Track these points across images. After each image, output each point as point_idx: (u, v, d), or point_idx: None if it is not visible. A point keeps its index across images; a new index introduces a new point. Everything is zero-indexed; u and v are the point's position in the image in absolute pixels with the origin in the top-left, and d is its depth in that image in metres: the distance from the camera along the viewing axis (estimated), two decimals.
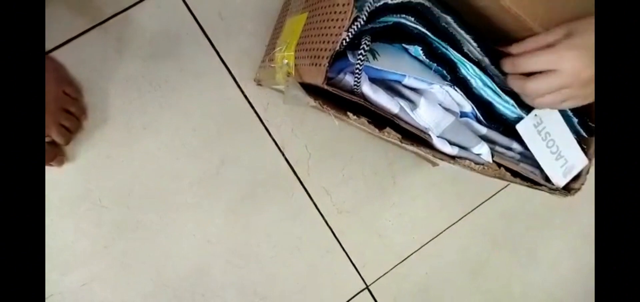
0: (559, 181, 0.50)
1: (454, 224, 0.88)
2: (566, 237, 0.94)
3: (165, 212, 0.74)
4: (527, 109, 0.48)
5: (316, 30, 0.43)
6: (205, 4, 0.73)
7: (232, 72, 0.74)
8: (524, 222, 0.91)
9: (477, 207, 0.89)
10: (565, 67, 0.41)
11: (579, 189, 0.50)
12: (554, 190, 0.50)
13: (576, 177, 0.51)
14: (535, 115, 0.48)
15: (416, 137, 0.44)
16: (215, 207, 0.76)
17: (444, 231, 0.88)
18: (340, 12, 0.38)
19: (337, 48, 0.37)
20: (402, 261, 0.86)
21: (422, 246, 0.87)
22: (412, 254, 0.86)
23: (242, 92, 0.75)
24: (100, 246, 0.72)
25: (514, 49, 0.45)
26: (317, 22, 0.44)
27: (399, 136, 0.42)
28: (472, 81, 0.47)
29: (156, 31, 0.72)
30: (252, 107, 0.76)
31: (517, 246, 0.92)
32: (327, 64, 0.37)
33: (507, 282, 0.91)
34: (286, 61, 0.50)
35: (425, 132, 0.44)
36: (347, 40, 0.38)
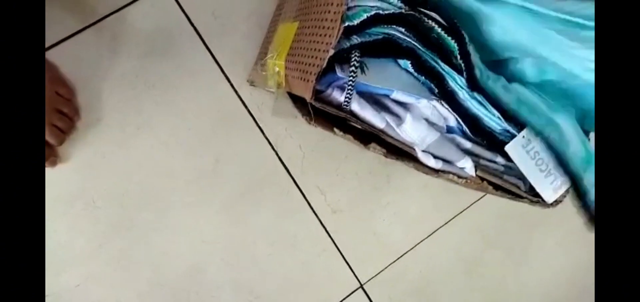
0: (549, 197, 0.50)
1: (447, 222, 0.89)
2: (559, 235, 0.95)
3: (160, 212, 0.74)
4: (513, 123, 0.48)
5: (306, 43, 0.43)
6: (198, 4, 0.72)
7: (226, 71, 0.74)
8: (517, 220, 0.91)
9: (470, 205, 0.90)
10: None
11: (561, 200, 0.50)
12: (534, 202, 0.50)
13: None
14: (523, 136, 0.48)
15: (401, 151, 0.44)
16: (210, 206, 0.76)
17: (438, 229, 0.88)
18: (328, 28, 0.38)
19: (324, 65, 0.37)
20: (397, 259, 0.87)
21: (416, 245, 0.87)
22: (406, 252, 0.87)
23: (236, 92, 0.75)
24: (95, 246, 0.72)
25: None
26: (307, 34, 0.43)
27: (384, 151, 0.42)
28: (460, 94, 0.47)
29: (150, 31, 0.71)
30: (246, 107, 0.76)
31: (510, 245, 0.92)
32: (314, 81, 0.37)
33: (501, 280, 0.92)
34: (277, 69, 0.50)
35: (410, 146, 0.44)
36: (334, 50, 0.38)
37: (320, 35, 0.39)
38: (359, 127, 0.42)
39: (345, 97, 0.39)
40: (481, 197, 0.89)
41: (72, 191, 0.71)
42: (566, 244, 0.95)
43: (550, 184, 0.49)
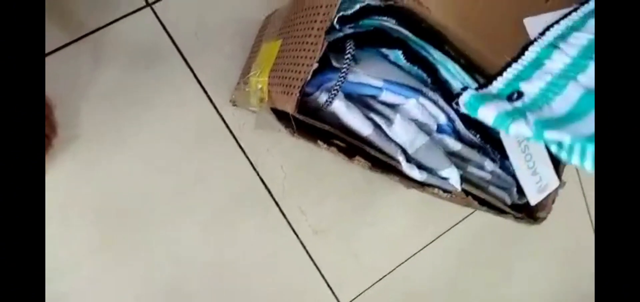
0: (533, 197, 0.51)
1: (430, 243, 0.89)
2: (542, 255, 0.96)
3: (137, 230, 0.73)
4: None
5: (289, 58, 0.43)
6: (181, 23, 0.72)
7: (208, 91, 0.74)
8: (500, 240, 0.93)
9: (453, 226, 0.90)
10: None
11: (544, 218, 0.51)
12: (520, 218, 0.51)
13: (543, 206, 0.52)
14: None
15: (385, 165, 0.45)
16: (189, 225, 0.75)
17: (421, 250, 0.89)
18: (311, 43, 0.39)
19: (308, 78, 0.37)
20: (378, 280, 0.86)
21: (398, 266, 0.87)
22: (388, 273, 0.87)
23: (218, 111, 0.75)
24: (71, 263, 0.70)
25: None
26: (291, 49, 0.44)
27: (369, 164, 0.43)
28: (453, 83, 0.47)
29: (132, 49, 0.71)
30: (228, 127, 0.76)
31: (493, 265, 0.93)
32: (298, 94, 0.38)
33: (484, 301, 0.92)
34: (260, 86, 0.50)
35: (394, 158, 0.44)
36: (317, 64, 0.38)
37: (304, 50, 0.40)
38: (342, 144, 0.42)
39: (331, 93, 0.39)
40: (464, 218, 0.90)
41: (48, 208, 0.69)
42: (548, 265, 0.96)
43: (536, 184, 0.50)
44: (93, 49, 0.69)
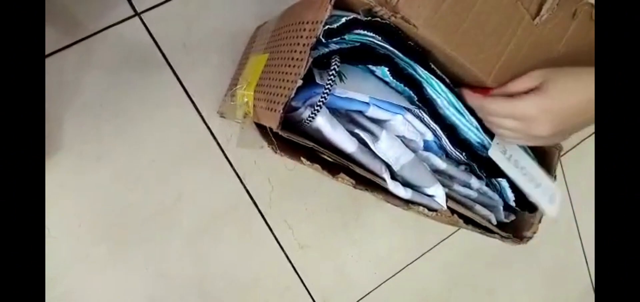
0: (549, 209, 0.49)
1: (415, 260, 0.89)
2: (526, 276, 0.96)
3: (120, 243, 0.71)
4: (490, 134, 0.49)
5: (275, 74, 0.43)
6: (169, 34, 0.72)
7: (195, 103, 0.74)
8: (484, 260, 0.93)
9: (438, 243, 0.90)
10: (527, 119, 0.42)
11: (531, 237, 0.51)
12: (505, 237, 0.50)
13: (529, 225, 0.52)
14: (497, 142, 0.48)
15: (369, 182, 0.44)
16: (170, 240, 0.74)
17: (406, 267, 0.88)
18: (297, 59, 0.39)
19: (292, 95, 0.37)
20: (364, 296, 0.86)
21: (383, 282, 0.87)
22: (373, 289, 0.86)
23: (205, 123, 0.74)
24: (47, 279, 0.68)
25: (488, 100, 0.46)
26: (276, 65, 0.44)
27: (353, 182, 0.42)
28: (438, 101, 0.47)
29: (118, 59, 0.70)
30: (215, 138, 0.75)
31: (477, 285, 0.93)
32: (281, 111, 0.37)
33: None
34: (246, 100, 0.50)
35: (379, 176, 0.44)
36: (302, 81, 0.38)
37: (289, 66, 0.39)
38: (327, 157, 0.42)
39: (314, 109, 0.39)
40: (448, 236, 0.90)
41: None
42: (531, 285, 0.96)
43: (544, 195, 0.49)
44: (78, 58, 0.68)
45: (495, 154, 0.49)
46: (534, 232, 0.52)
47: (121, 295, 0.72)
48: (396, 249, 0.87)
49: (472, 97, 0.46)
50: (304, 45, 0.38)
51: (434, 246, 0.89)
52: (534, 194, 0.49)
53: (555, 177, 0.53)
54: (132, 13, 0.70)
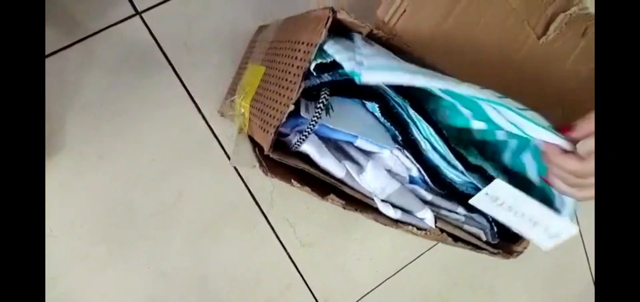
0: (545, 244, 0.48)
1: (416, 259, 0.89)
2: (525, 276, 0.96)
3: (117, 245, 0.72)
4: (479, 174, 0.48)
5: (269, 92, 0.42)
6: (171, 33, 0.71)
7: (196, 102, 0.73)
8: (484, 261, 0.92)
9: (438, 243, 0.90)
10: None
11: (521, 252, 0.50)
12: (495, 253, 0.50)
13: (520, 241, 0.51)
14: (487, 194, 0.45)
15: (360, 203, 0.44)
16: (172, 239, 0.74)
17: (407, 266, 0.88)
18: (290, 82, 0.38)
19: (283, 119, 0.36)
20: (365, 295, 0.86)
21: (384, 281, 0.87)
22: (374, 288, 0.86)
23: (206, 122, 0.74)
24: (48, 278, 0.70)
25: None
26: (271, 83, 0.43)
27: (342, 202, 0.42)
28: (422, 144, 0.47)
29: (119, 58, 0.70)
30: (216, 137, 0.75)
31: (476, 285, 0.93)
32: (273, 134, 0.37)
33: None
34: (243, 111, 0.49)
35: (369, 197, 0.44)
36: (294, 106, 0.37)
37: (283, 87, 0.39)
38: (318, 176, 0.41)
39: (301, 136, 0.38)
40: None
41: None
42: (530, 286, 0.96)
43: (543, 233, 0.47)
44: (79, 58, 0.68)
45: (480, 202, 0.46)
46: (525, 248, 0.51)
47: (122, 294, 0.73)
48: (397, 249, 0.87)
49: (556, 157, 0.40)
50: (297, 67, 0.37)
51: (435, 245, 0.89)
52: (529, 233, 0.47)
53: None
54: (133, 12, 0.69)
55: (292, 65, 0.38)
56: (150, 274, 0.74)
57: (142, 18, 0.70)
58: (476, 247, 0.50)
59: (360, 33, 0.39)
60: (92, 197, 0.70)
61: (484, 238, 0.51)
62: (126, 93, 0.70)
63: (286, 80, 0.39)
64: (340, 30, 0.40)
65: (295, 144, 0.39)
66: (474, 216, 0.50)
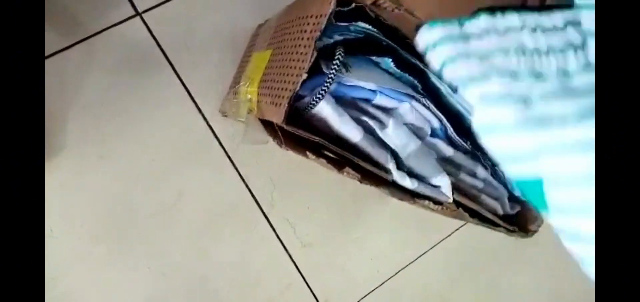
0: None
1: (417, 258, 0.89)
2: (530, 272, 0.96)
3: (117, 245, 0.71)
4: None
5: (279, 69, 0.43)
6: (171, 33, 0.72)
7: (197, 102, 0.74)
8: (487, 256, 0.92)
9: (440, 241, 0.90)
10: None
11: (536, 231, 0.51)
12: (511, 231, 0.50)
13: (534, 218, 0.52)
14: None
15: (375, 176, 0.44)
16: (172, 239, 0.73)
17: (408, 265, 0.88)
18: (301, 53, 0.39)
19: (297, 89, 0.37)
20: (366, 295, 0.86)
21: (386, 281, 0.87)
22: (376, 288, 0.86)
23: (207, 122, 0.74)
24: (48, 278, 0.68)
25: None
26: (280, 60, 0.44)
27: (359, 176, 0.42)
28: (442, 88, 0.47)
29: (120, 59, 0.70)
30: (217, 137, 0.75)
31: (480, 281, 0.93)
32: (286, 105, 0.37)
33: None
34: (249, 96, 0.50)
35: (384, 167, 0.44)
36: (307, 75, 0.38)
37: (294, 60, 0.39)
38: (331, 154, 0.42)
39: (318, 93, 0.39)
40: (451, 234, 0.90)
41: None
42: (536, 281, 0.96)
43: None
44: (79, 59, 0.68)
45: None
46: (539, 226, 0.52)
47: (122, 294, 0.71)
48: (398, 248, 0.87)
49: None
50: (308, 38, 0.38)
51: (436, 244, 0.89)
52: None
53: None
54: (133, 13, 0.70)
55: (303, 38, 0.39)
56: (150, 274, 0.72)
57: (142, 18, 0.71)
58: (492, 224, 0.51)
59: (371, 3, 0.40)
60: (92, 197, 0.70)
61: (500, 212, 0.51)
62: (126, 93, 0.71)
63: (297, 52, 0.40)
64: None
65: (309, 104, 0.39)
66: (492, 180, 0.51)
